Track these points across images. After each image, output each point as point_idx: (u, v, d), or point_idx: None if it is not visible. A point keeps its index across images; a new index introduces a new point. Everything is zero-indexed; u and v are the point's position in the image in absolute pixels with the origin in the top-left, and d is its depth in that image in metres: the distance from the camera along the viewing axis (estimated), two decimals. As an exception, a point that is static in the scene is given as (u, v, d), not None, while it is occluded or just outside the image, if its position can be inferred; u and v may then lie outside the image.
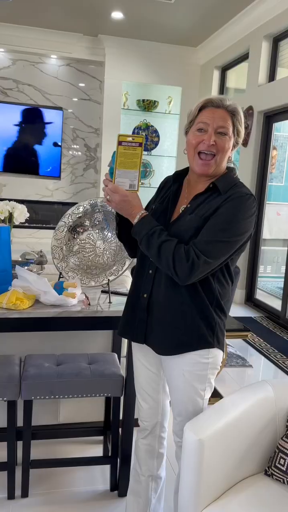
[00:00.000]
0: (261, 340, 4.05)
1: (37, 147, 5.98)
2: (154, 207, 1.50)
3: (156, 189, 1.61)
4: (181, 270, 1.29)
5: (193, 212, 1.38)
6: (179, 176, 1.52)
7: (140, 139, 1.31)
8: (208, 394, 1.48)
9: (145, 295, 1.45)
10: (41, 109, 5.88)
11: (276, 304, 4.80)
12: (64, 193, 6.23)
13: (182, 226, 1.38)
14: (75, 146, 6.18)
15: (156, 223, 1.37)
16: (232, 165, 1.49)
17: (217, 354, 1.44)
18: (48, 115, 5.93)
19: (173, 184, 1.50)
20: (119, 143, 1.28)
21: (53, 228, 2.10)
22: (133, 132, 6.08)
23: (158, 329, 1.43)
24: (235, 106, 1.37)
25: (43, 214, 6.15)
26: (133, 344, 1.60)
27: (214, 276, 1.39)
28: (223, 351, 1.48)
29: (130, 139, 1.30)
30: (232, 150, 1.40)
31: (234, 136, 1.38)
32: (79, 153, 6.21)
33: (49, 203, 6.18)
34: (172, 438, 1.59)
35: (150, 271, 1.44)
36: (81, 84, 6.04)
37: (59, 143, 6.01)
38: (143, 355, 1.57)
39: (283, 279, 4.57)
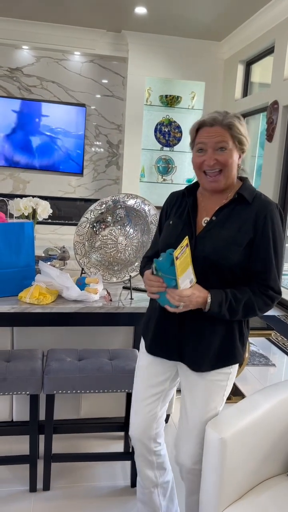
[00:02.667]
0: (285, 339, 3.98)
1: (60, 143, 6.02)
2: (172, 222, 1.49)
3: (177, 186, 1.60)
4: (266, 310, 1.40)
5: (223, 226, 1.39)
6: (191, 190, 1.51)
7: (186, 241, 1.30)
8: (222, 406, 1.49)
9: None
10: (64, 106, 5.92)
11: (300, 302, 4.71)
12: (86, 189, 6.26)
13: (216, 241, 1.37)
14: (97, 143, 6.19)
15: (222, 292, 1.34)
16: (244, 174, 1.48)
17: (237, 366, 1.49)
18: (71, 112, 5.96)
19: (188, 198, 1.49)
20: (176, 258, 1.25)
21: (75, 225, 2.11)
22: (155, 129, 6.07)
23: (193, 345, 1.42)
24: (229, 120, 1.36)
25: (65, 211, 6.20)
26: (143, 356, 1.56)
27: None
28: None
29: (180, 248, 1.28)
30: (239, 159, 1.41)
31: (236, 147, 1.38)
32: (102, 149, 6.22)
33: (72, 199, 6.22)
34: (180, 466, 1.52)
35: None
36: (104, 81, 6.05)
37: (82, 140, 6.04)
38: (151, 368, 1.53)
39: (307, 277, 4.48)
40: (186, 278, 1.30)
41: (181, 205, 1.50)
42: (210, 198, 1.45)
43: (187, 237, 1.31)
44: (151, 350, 1.51)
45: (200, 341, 1.41)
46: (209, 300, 1.32)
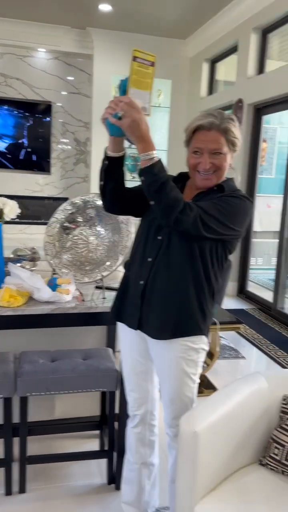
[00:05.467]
0: (254, 332, 4.09)
1: (26, 141, 5.93)
2: None
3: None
4: (183, 218, 1.31)
5: None
6: (183, 178, 1.55)
7: (153, 58, 1.19)
8: (197, 379, 1.54)
9: (141, 282, 1.48)
10: (30, 103, 5.83)
11: (267, 295, 4.84)
12: (54, 188, 6.19)
13: None
14: (64, 140, 6.14)
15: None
16: (234, 175, 1.52)
17: (205, 341, 1.53)
18: (37, 109, 5.88)
19: (177, 184, 1.52)
20: (134, 58, 1.14)
21: (44, 224, 2.09)
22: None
23: (154, 315, 1.47)
24: (225, 125, 1.39)
25: (33, 210, 6.11)
26: (122, 333, 1.63)
27: (214, 266, 1.45)
28: (207, 337, 1.56)
29: (144, 55, 1.16)
30: (231, 158, 1.46)
31: (230, 150, 1.43)
32: (69, 147, 6.17)
33: (40, 198, 6.14)
34: (163, 429, 1.61)
35: (149, 259, 1.47)
36: (70, 78, 5.99)
37: (49, 138, 5.96)
38: (131, 342, 1.60)
39: (274, 271, 4.61)
40: (139, 97, 1.20)
41: None
42: (196, 190, 1.50)
43: (155, 56, 1.24)
44: (114, 316, 1.60)
45: (161, 311, 1.45)
46: (155, 155, 1.33)
